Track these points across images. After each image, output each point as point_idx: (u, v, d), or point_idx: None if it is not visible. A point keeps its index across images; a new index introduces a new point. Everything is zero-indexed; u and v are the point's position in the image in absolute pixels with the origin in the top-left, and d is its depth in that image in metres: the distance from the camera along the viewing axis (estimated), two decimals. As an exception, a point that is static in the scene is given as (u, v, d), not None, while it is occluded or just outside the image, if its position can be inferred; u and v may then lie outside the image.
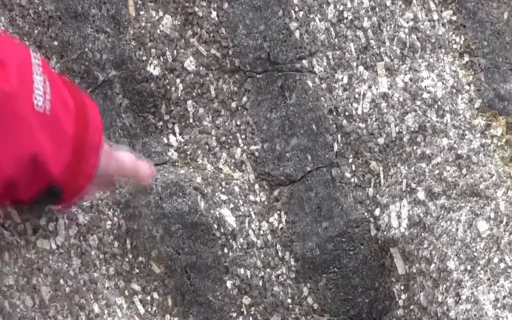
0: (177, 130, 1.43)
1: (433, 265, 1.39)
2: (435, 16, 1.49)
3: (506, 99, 1.48)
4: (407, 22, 1.48)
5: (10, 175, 1.02)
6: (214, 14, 1.42)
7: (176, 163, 1.43)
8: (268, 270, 1.44)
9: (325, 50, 1.45)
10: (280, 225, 1.45)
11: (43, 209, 1.19)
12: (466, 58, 1.49)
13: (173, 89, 1.41)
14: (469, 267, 1.35)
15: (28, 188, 1.07)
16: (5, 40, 1.08)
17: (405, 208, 1.44)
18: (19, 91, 1.02)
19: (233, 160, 1.45)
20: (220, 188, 1.43)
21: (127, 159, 1.25)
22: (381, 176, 1.47)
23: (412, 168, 1.45)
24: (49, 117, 1.05)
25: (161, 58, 1.40)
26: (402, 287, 1.44)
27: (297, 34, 1.44)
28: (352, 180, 1.46)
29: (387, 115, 1.46)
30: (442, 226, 1.40)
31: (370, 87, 1.46)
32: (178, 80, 1.42)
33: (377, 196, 1.46)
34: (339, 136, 1.45)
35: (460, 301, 1.34)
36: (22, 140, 1.02)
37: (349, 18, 1.46)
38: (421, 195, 1.43)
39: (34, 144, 1.03)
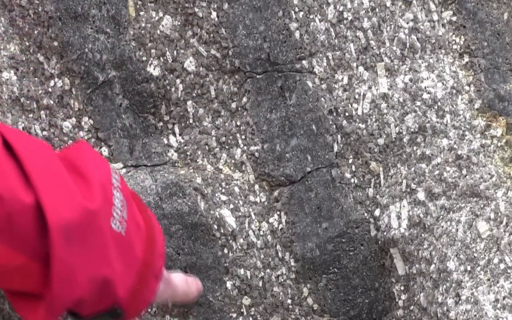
0: (177, 130, 1.43)
1: (433, 265, 1.39)
2: (435, 17, 1.49)
3: (506, 100, 1.48)
4: (407, 23, 1.48)
5: (82, 295, 1.00)
6: (214, 14, 1.42)
7: (176, 164, 1.43)
8: (268, 270, 1.44)
9: (325, 51, 1.45)
10: (280, 226, 1.45)
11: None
12: (466, 59, 1.49)
13: (173, 89, 1.41)
14: (469, 268, 1.35)
15: (91, 307, 1.04)
16: (89, 153, 1.06)
17: (405, 208, 1.44)
18: (103, 209, 1.00)
19: (233, 161, 1.45)
20: (220, 188, 1.43)
21: (180, 283, 1.23)
22: (381, 176, 1.47)
23: (412, 169, 1.45)
24: (124, 238, 1.03)
25: (161, 58, 1.40)
26: (402, 288, 1.44)
27: (297, 34, 1.44)
28: (352, 180, 1.46)
29: (387, 115, 1.46)
30: (442, 227, 1.40)
31: (370, 87, 1.46)
32: (178, 81, 1.42)
33: (377, 196, 1.46)
34: (339, 136, 1.45)
35: (460, 302, 1.34)
36: (98, 261, 1.00)
37: (349, 18, 1.46)
38: (421, 195, 1.43)
39: (108, 266, 1.01)
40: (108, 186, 1.03)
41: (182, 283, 1.23)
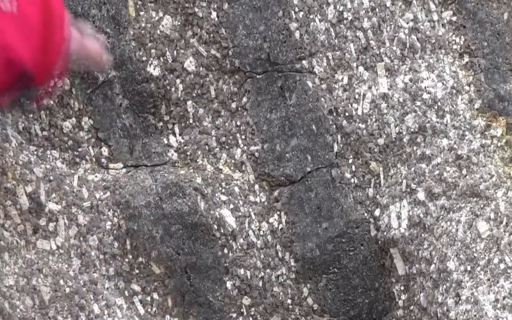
0: (177, 130, 1.43)
1: (433, 265, 1.39)
2: (435, 17, 1.49)
3: (506, 100, 1.48)
4: (407, 23, 1.48)
5: None
6: (214, 14, 1.41)
7: (176, 164, 1.43)
8: (268, 270, 1.44)
9: (325, 51, 1.45)
10: (280, 226, 1.45)
11: (24, 96, 1.26)
12: (466, 59, 1.49)
13: (173, 89, 1.41)
14: (469, 268, 1.35)
15: (3, 78, 1.15)
16: None
17: (405, 208, 1.44)
18: None
19: (233, 161, 1.45)
20: (220, 188, 1.43)
21: (92, 42, 1.31)
22: (381, 176, 1.47)
23: (412, 169, 1.45)
24: (16, 15, 1.15)
25: (161, 58, 1.40)
26: (402, 288, 1.44)
27: (297, 34, 1.44)
28: (352, 180, 1.46)
29: (387, 115, 1.46)
30: (442, 227, 1.40)
31: (370, 87, 1.46)
32: (178, 81, 1.41)
33: (377, 196, 1.46)
34: (339, 136, 1.45)
35: (460, 302, 1.34)
36: None
37: (349, 18, 1.46)
38: (421, 195, 1.43)
39: (3, 39, 1.13)
40: None
41: (92, 41, 1.31)
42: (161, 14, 1.41)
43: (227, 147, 1.44)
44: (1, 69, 1.16)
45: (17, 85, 1.19)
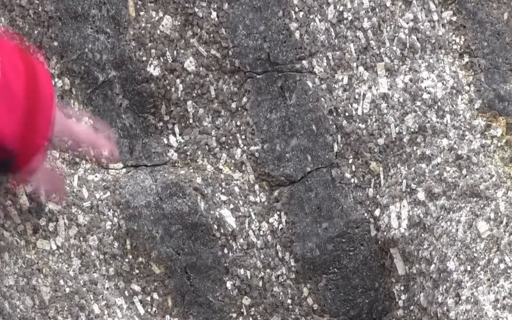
0: (177, 130, 1.43)
1: (433, 265, 1.39)
2: (435, 17, 1.49)
3: (506, 100, 1.48)
4: (407, 23, 1.48)
5: None
6: (214, 14, 1.41)
7: (176, 164, 1.43)
8: (268, 270, 1.44)
9: (325, 51, 1.45)
10: (280, 226, 1.45)
11: (2, 174, 1.18)
12: (466, 59, 1.49)
13: (173, 89, 1.41)
14: (469, 268, 1.35)
15: None
16: None
17: (405, 208, 1.44)
18: None
19: (233, 161, 1.45)
20: (220, 188, 1.43)
21: (83, 128, 1.26)
22: (381, 176, 1.47)
23: (412, 169, 1.45)
24: (1, 84, 1.06)
25: (161, 58, 1.40)
26: (402, 288, 1.44)
27: (297, 34, 1.44)
28: (352, 180, 1.46)
29: (387, 115, 1.46)
30: (442, 227, 1.40)
31: (370, 87, 1.46)
32: (178, 81, 1.42)
33: (377, 196, 1.46)
34: (339, 136, 1.45)
35: (460, 302, 1.34)
36: None
37: (349, 18, 1.46)
38: (421, 195, 1.43)
39: None
40: None
41: (86, 129, 1.25)
42: (161, 14, 1.41)
43: (227, 147, 1.44)
44: None
45: None
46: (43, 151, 1.15)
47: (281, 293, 1.45)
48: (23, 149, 1.10)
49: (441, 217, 1.41)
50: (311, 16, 1.45)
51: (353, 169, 1.46)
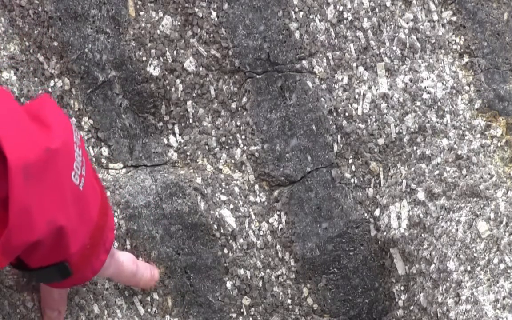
0: (177, 130, 1.43)
1: (433, 265, 1.39)
2: (435, 17, 1.49)
3: (506, 100, 1.48)
4: (407, 23, 1.48)
5: (39, 237, 0.98)
6: (214, 14, 1.42)
7: (176, 164, 1.43)
8: (268, 270, 1.44)
9: (325, 51, 1.45)
10: (280, 226, 1.45)
11: (43, 279, 1.15)
12: (466, 59, 1.49)
13: (173, 89, 1.41)
14: (469, 268, 1.35)
15: (43, 257, 1.04)
16: (52, 106, 1.07)
17: (405, 208, 1.44)
18: (62, 153, 1.00)
19: (233, 161, 1.45)
20: (220, 188, 1.43)
21: (127, 263, 1.24)
22: (381, 176, 1.47)
23: (412, 169, 1.45)
24: (81, 193, 1.03)
25: (161, 58, 1.40)
26: (402, 288, 1.44)
27: (297, 34, 1.44)
28: (352, 180, 1.46)
29: (387, 115, 1.46)
30: (442, 227, 1.40)
31: (370, 87, 1.46)
32: (178, 81, 1.42)
33: (377, 196, 1.46)
34: (339, 136, 1.46)
35: (460, 302, 1.34)
36: (56, 205, 0.99)
37: (349, 18, 1.46)
38: (421, 195, 1.43)
39: (64, 213, 1.01)
40: (70, 138, 1.02)
41: (129, 262, 1.24)
42: (161, 14, 1.41)
43: (227, 147, 1.44)
44: (50, 241, 1.00)
45: (45, 269, 1.05)
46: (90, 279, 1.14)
47: (281, 293, 1.45)
48: (78, 270, 1.08)
49: (441, 217, 1.41)
50: (311, 16, 1.45)
51: (353, 169, 1.47)
